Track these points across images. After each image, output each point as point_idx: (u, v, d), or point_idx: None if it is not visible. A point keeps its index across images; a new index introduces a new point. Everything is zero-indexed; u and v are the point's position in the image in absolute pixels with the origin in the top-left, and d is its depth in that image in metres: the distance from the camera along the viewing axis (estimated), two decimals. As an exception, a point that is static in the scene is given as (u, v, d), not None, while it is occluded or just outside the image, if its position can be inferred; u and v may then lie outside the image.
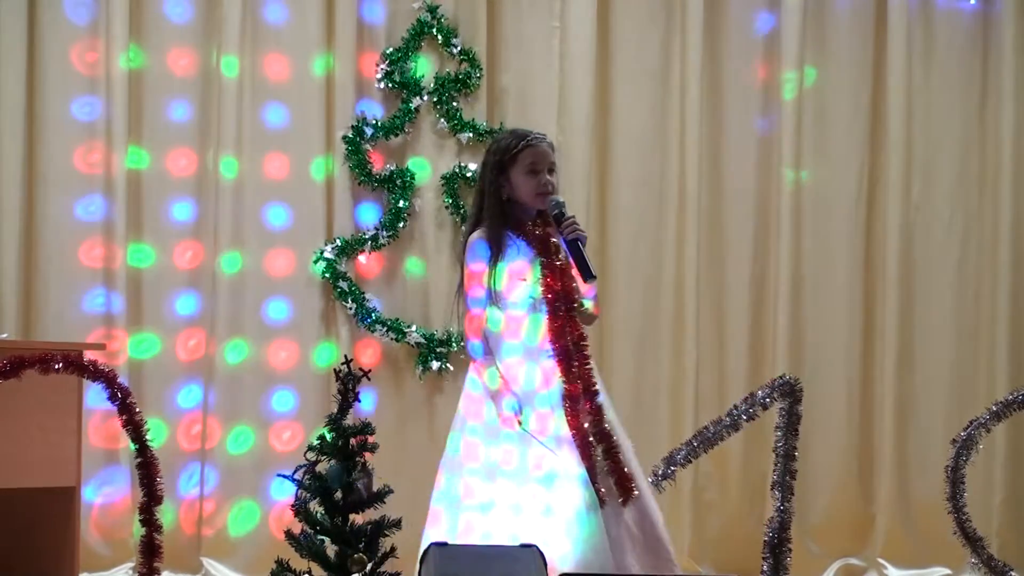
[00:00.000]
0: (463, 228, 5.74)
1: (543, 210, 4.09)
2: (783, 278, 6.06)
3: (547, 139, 4.16)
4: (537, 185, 4.06)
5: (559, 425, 3.96)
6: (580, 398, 3.97)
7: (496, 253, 4.03)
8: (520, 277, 4.05)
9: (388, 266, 5.92)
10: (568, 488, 3.89)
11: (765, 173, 6.12)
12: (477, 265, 4.05)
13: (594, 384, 4.01)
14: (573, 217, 4.04)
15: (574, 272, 4.07)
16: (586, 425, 3.96)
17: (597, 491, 3.91)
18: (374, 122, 5.85)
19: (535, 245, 4.05)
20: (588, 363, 4.01)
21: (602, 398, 4.04)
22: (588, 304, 4.11)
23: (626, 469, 3.99)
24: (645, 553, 3.98)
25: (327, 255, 5.79)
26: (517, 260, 4.05)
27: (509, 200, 4.09)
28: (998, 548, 5.57)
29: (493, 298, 4.04)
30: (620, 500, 3.95)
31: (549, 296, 4.01)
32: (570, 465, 3.92)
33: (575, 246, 4.01)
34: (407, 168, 5.88)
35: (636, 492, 3.97)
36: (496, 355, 4.02)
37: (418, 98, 5.87)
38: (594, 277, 4.02)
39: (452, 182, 5.86)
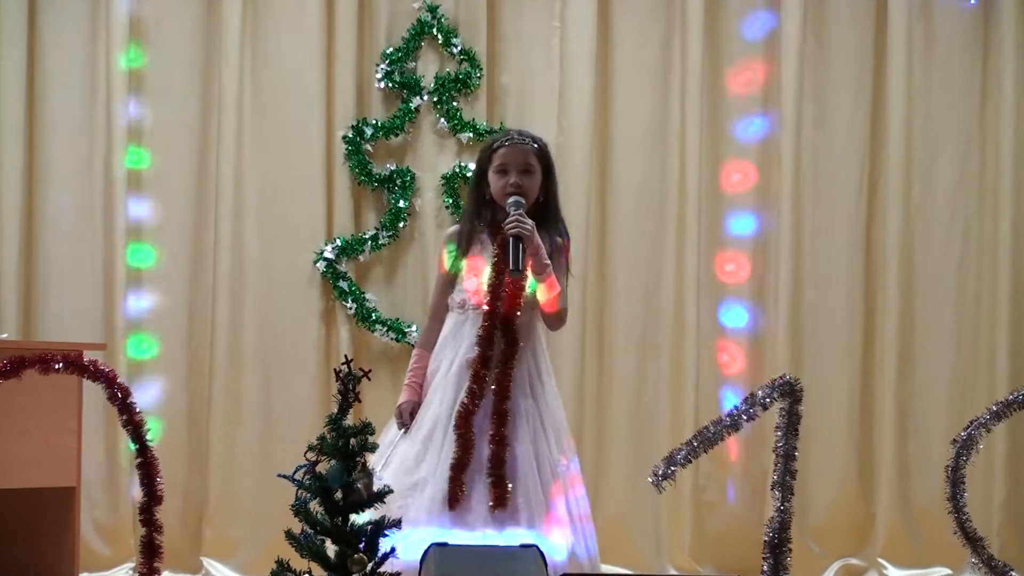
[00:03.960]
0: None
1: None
2: (783, 278, 6.05)
3: (531, 141, 4.16)
4: (504, 185, 4.09)
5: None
6: (475, 410, 3.98)
7: (462, 247, 4.15)
8: (475, 273, 4.11)
9: (388, 266, 5.92)
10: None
11: (765, 173, 6.12)
12: (443, 255, 4.21)
13: (507, 395, 4.00)
14: (519, 213, 4.02)
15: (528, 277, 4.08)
16: (473, 427, 3.98)
17: (455, 486, 3.92)
18: (374, 122, 5.85)
19: (497, 246, 4.07)
20: (508, 375, 4.01)
21: (527, 406, 4.04)
22: (539, 295, 4.10)
23: (507, 482, 3.94)
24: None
25: (327, 255, 5.80)
26: (478, 257, 4.11)
27: (491, 200, 4.14)
28: (998, 548, 5.57)
29: (451, 288, 4.17)
30: (491, 505, 3.93)
31: (488, 297, 4.04)
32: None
33: (513, 240, 4.00)
34: (407, 168, 5.88)
35: (507, 498, 3.92)
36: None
37: (418, 98, 5.87)
38: (519, 271, 3.99)
39: (452, 182, 5.86)
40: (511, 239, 3.97)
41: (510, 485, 3.93)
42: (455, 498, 3.91)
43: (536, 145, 4.16)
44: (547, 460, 4.03)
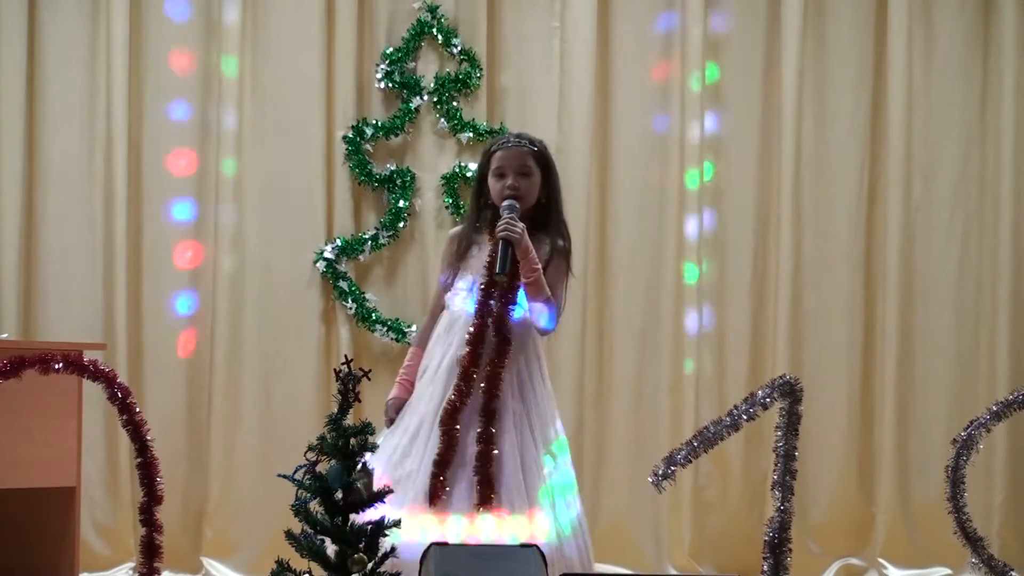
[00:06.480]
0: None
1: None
2: (783, 278, 6.05)
3: (527, 143, 4.14)
4: (502, 188, 4.09)
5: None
6: (462, 408, 3.96)
7: (460, 248, 4.17)
8: (470, 273, 4.12)
9: (388, 266, 5.92)
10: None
11: (765, 173, 6.12)
12: (442, 256, 4.30)
13: (496, 394, 3.98)
14: (511, 217, 4.02)
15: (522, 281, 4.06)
16: (457, 427, 3.96)
17: (436, 483, 3.90)
18: (374, 122, 5.85)
19: (491, 250, 4.07)
20: (498, 374, 3.98)
21: (515, 408, 4.01)
22: (542, 319, 4.09)
23: (494, 481, 3.91)
24: None
25: (327, 255, 5.80)
26: (473, 260, 4.12)
27: (490, 204, 4.15)
28: (998, 548, 5.57)
29: (450, 288, 4.19)
30: (476, 504, 3.90)
31: (480, 296, 4.04)
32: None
33: (502, 243, 3.99)
34: (407, 168, 5.88)
35: (493, 498, 3.88)
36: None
37: (418, 98, 5.87)
38: (503, 274, 3.97)
39: (452, 182, 5.86)
40: (500, 242, 3.98)
41: (497, 485, 3.89)
42: (435, 495, 3.89)
43: (534, 147, 4.14)
44: (534, 463, 3.98)
